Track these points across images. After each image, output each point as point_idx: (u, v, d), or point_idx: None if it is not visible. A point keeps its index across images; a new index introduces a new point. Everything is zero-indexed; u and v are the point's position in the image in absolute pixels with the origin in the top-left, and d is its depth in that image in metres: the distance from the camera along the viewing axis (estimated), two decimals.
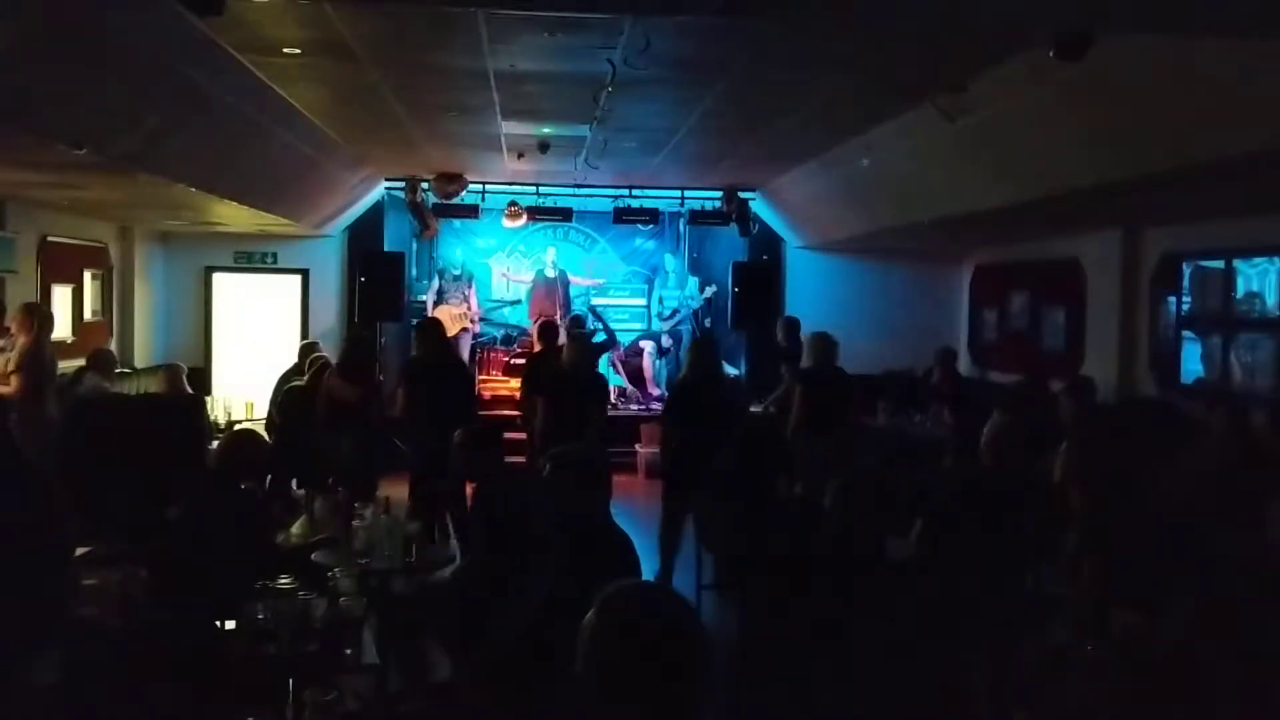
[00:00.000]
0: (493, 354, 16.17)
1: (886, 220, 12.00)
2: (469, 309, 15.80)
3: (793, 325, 11.99)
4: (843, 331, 10.29)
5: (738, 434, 8.49)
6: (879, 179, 10.82)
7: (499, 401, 14.59)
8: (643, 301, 16.99)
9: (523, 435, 10.40)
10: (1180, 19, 5.25)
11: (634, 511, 9.40)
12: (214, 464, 6.51)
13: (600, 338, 14.12)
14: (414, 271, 16.13)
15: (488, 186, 14.31)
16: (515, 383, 13.24)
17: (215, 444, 8.28)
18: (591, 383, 9.63)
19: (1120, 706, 3.83)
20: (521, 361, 13.40)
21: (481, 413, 12.31)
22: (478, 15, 6.45)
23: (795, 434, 9.34)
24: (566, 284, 16.24)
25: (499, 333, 16.42)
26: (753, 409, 11.41)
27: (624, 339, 16.29)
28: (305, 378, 10.29)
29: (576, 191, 14.04)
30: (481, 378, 15.47)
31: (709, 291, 16.01)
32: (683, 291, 16.39)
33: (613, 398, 13.73)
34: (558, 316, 14.85)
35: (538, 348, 11.23)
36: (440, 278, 15.75)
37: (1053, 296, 13.31)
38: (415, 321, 11.96)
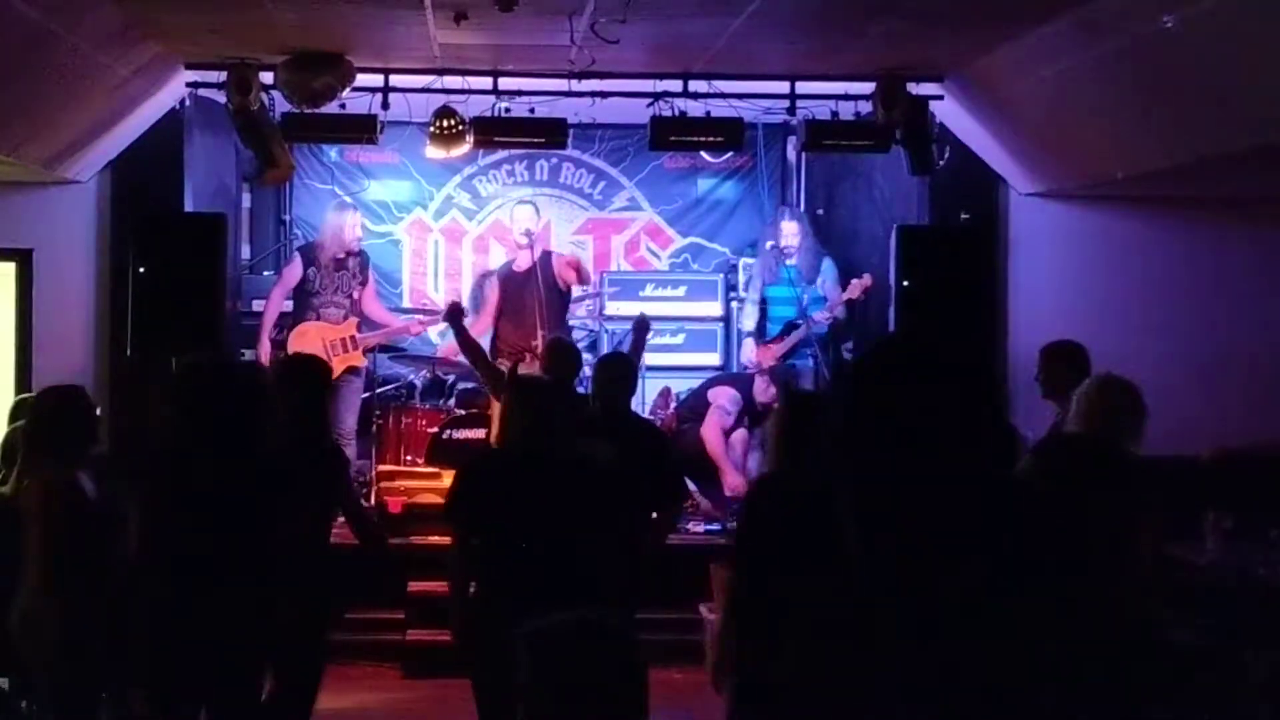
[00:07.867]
0: (405, 417, 10.80)
1: (1222, 141, 9.33)
2: (354, 327, 10.53)
3: (1069, 356, 7.79)
4: (1140, 371, 6.95)
5: None
6: (1204, 57, 8.71)
7: (421, 519, 9.43)
8: (713, 309, 12.11)
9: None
10: None
11: None
12: None
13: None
14: (246, 251, 12.16)
15: (393, 80, 10.59)
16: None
17: None
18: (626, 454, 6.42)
19: None
20: (465, 437, 9.88)
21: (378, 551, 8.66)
22: None
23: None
24: (550, 275, 10.82)
25: (418, 375, 11.24)
26: None
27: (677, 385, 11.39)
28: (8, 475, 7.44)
29: (575, 89, 10.47)
30: (382, 468, 10.36)
31: (854, 290, 11.21)
32: (810, 288, 11.38)
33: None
34: (537, 337, 10.17)
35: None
36: (307, 262, 10.80)
37: None
38: (244, 356, 10.18)
